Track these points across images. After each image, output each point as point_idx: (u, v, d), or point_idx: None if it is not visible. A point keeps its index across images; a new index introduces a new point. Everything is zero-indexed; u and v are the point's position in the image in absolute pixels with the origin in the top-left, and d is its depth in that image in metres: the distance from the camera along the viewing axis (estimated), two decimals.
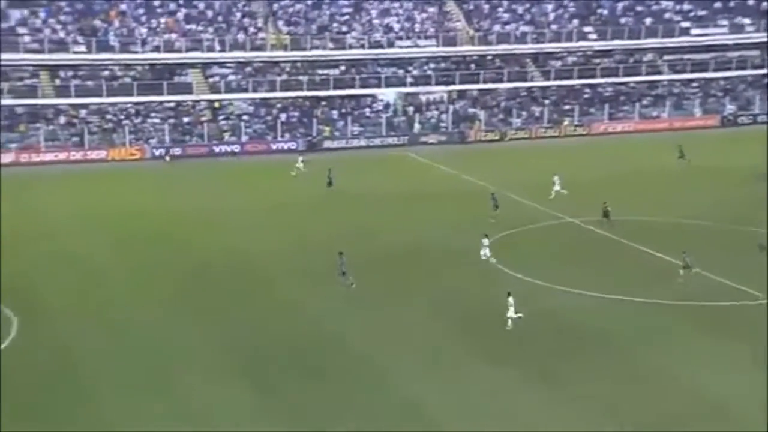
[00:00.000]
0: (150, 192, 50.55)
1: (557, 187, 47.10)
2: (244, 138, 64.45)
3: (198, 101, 65.64)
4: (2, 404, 24.57)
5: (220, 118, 65.93)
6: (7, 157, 57.81)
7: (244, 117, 66.00)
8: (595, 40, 74.50)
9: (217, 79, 66.31)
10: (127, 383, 26.03)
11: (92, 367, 27.04)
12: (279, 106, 66.91)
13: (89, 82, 62.70)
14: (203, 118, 65.31)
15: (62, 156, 59.39)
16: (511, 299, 29.64)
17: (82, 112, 62.60)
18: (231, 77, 66.64)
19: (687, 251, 34.37)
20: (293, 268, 36.65)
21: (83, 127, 61.44)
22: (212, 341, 28.99)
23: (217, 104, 66.25)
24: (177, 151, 62.15)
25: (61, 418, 24.00)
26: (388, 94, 68.98)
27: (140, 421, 23.91)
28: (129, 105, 63.70)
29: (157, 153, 61.58)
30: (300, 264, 37.12)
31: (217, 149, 62.98)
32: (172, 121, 64.23)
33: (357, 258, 35.81)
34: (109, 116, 63.29)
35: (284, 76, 67.39)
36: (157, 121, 64.03)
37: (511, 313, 29.48)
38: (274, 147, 64.12)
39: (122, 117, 63.46)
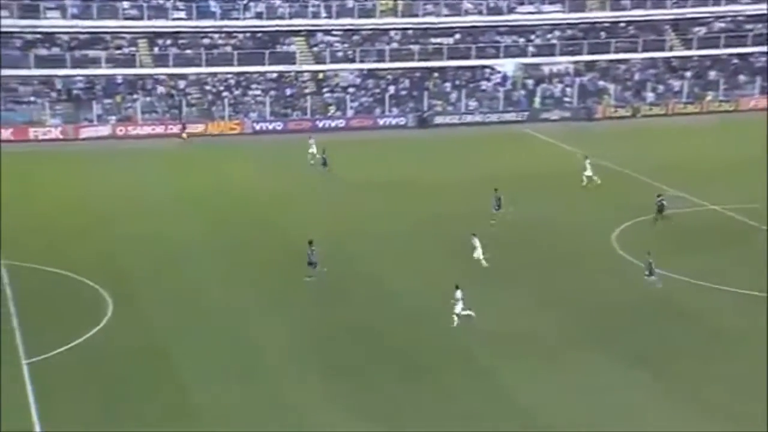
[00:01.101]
0: (247, 169, 52.10)
1: (588, 172, 45.64)
2: (349, 112, 65.37)
3: (301, 72, 66.93)
4: (95, 385, 26.24)
5: (325, 90, 67.02)
6: (104, 130, 60.71)
7: (350, 89, 66.88)
8: (747, 3, 71.86)
9: (322, 47, 67.46)
10: (216, 370, 27.13)
11: (182, 351, 28.36)
12: (388, 77, 67.51)
13: (188, 51, 65.05)
14: (306, 91, 66.60)
15: (159, 129, 61.85)
16: (458, 293, 29.31)
17: (181, 83, 65.03)
18: (337, 46, 67.69)
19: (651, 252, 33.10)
20: (396, 254, 37.23)
21: (181, 99, 63.81)
22: (305, 330, 29.87)
23: (321, 75, 67.35)
24: (278, 125, 63.74)
25: (148, 400, 25.38)
26: (506, 66, 68.55)
27: (227, 410, 24.94)
28: (229, 76, 65.71)
29: (257, 127, 63.33)
30: (404, 249, 37.64)
31: (320, 124, 64.02)
32: (273, 93, 65.82)
33: (461, 244, 36.30)
34: (208, 87, 65.47)
35: (394, 45, 67.95)
36: (257, 93, 65.74)
37: (458, 309, 29.32)
38: (381, 122, 64.77)
39: (222, 88, 65.50)
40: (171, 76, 64.72)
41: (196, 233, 40.02)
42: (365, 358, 27.75)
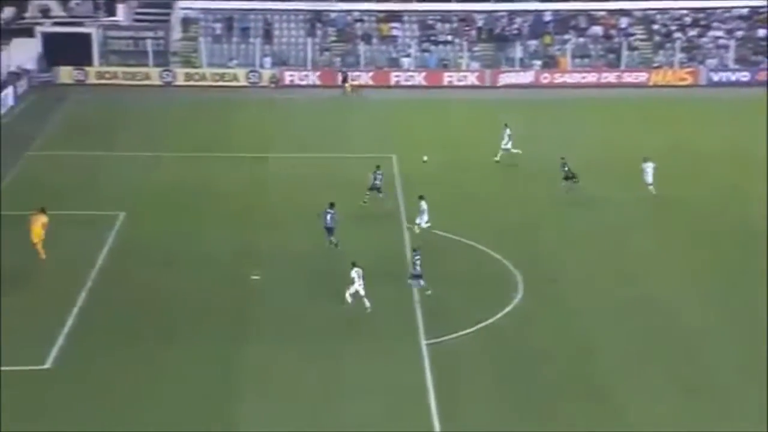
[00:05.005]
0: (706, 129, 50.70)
1: (504, 143, 44.96)
2: None
3: None
4: (499, 377, 27.06)
5: None
6: (526, 77, 62.14)
7: None
8: None
9: None
10: (649, 378, 26.87)
11: (606, 350, 28.53)
12: None
13: None
14: None
15: (591, 78, 62.05)
16: (354, 273, 29.80)
17: (623, 21, 64.59)
18: None
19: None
20: None
21: (622, 41, 63.41)
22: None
23: None
24: (744, 76, 61.19)
25: (568, 409, 25.67)
26: None
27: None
28: (684, 11, 64.38)
29: (716, 78, 61.39)
30: None
31: None
32: (741, 33, 63.34)
33: None
34: (656, 27, 64.44)
35: None
36: (719, 33, 63.70)
37: (352, 288, 30.12)
38: None
39: (673, 28, 64.17)
40: (611, 12, 64.58)
41: (636, 204, 39.93)
42: None
